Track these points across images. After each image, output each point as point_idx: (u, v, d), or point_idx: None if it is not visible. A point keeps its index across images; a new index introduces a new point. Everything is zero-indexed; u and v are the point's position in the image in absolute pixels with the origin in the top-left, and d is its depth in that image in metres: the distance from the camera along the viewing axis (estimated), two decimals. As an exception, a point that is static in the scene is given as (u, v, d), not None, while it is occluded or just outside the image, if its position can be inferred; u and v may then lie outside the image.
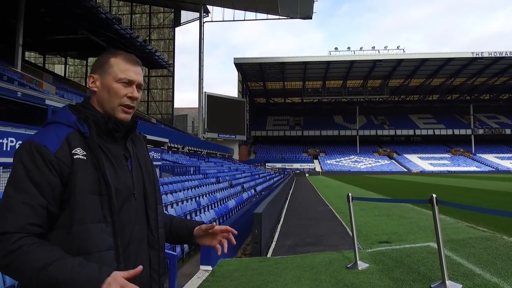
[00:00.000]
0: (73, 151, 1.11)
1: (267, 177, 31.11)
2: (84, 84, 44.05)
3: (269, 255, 6.06)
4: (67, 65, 48.49)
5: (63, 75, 44.26)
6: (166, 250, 4.09)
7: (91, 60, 47.02)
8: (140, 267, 1.02)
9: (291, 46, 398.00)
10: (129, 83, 1.23)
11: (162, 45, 49.30)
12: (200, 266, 5.00)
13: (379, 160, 62.65)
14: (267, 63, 56.27)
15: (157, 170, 14.41)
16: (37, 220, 1.04)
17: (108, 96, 1.22)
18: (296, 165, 59.21)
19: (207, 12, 47.04)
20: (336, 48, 59.91)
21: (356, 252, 4.54)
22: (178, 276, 6.16)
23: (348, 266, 4.50)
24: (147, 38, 45.48)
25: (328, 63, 56.89)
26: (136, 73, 1.25)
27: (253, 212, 6.32)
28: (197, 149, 37.70)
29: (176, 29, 50.22)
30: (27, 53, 40.57)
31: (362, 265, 4.45)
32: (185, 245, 6.91)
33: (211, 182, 16.55)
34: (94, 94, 1.25)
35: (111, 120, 1.21)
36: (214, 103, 50.17)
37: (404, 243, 5.75)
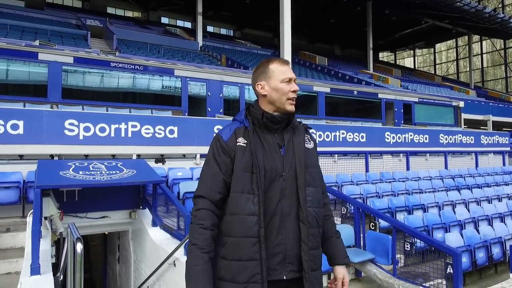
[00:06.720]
0: (237, 140, 1.51)
1: None
2: (433, 72, 44.01)
3: None
4: (415, 57, 50.01)
5: (412, 67, 46.19)
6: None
7: (438, 46, 46.05)
8: None
9: None
10: (289, 80, 1.54)
11: (520, 7, 40.30)
12: (510, 274, 4.54)
13: None
14: None
15: (471, 157, 12.12)
16: (218, 188, 1.48)
17: (278, 95, 1.53)
18: None
19: None
20: None
21: None
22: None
23: None
24: (499, 6, 38.66)
25: None
26: (291, 71, 1.57)
27: None
28: None
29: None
30: (380, 54, 45.68)
31: None
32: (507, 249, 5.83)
33: None
34: (264, 97, 1.57)
35: (264, 116, 1.54)
36: None
37: None
